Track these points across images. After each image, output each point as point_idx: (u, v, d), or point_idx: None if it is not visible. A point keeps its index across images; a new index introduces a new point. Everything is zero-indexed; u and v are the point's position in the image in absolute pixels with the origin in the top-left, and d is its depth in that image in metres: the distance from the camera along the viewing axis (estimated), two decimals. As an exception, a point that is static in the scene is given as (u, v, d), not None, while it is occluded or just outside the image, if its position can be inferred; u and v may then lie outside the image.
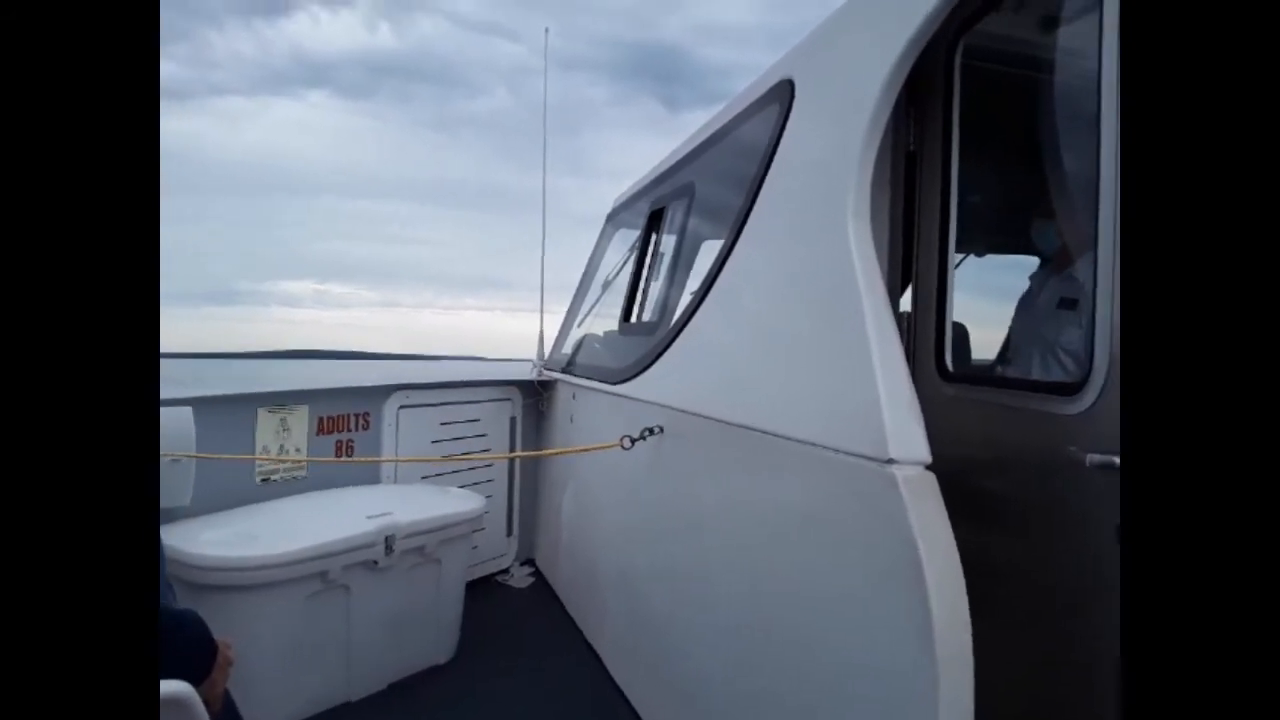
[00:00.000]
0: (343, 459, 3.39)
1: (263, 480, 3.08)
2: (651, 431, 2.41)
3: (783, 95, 2.05)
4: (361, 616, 2.68)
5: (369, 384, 3.59)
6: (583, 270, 4.61)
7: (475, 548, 3.48)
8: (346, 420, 3.43)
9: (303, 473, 3.21)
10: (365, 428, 3.50)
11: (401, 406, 3.61)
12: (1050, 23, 1.69)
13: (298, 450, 3.22)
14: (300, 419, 3.23)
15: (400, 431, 3.60)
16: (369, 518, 2.70)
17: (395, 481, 3.54)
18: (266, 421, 3.11)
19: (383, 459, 3.51)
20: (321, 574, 2.50)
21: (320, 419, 3.32)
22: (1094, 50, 1.29)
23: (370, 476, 3.47)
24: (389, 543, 2.68)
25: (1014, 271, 2.47)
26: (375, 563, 2.66)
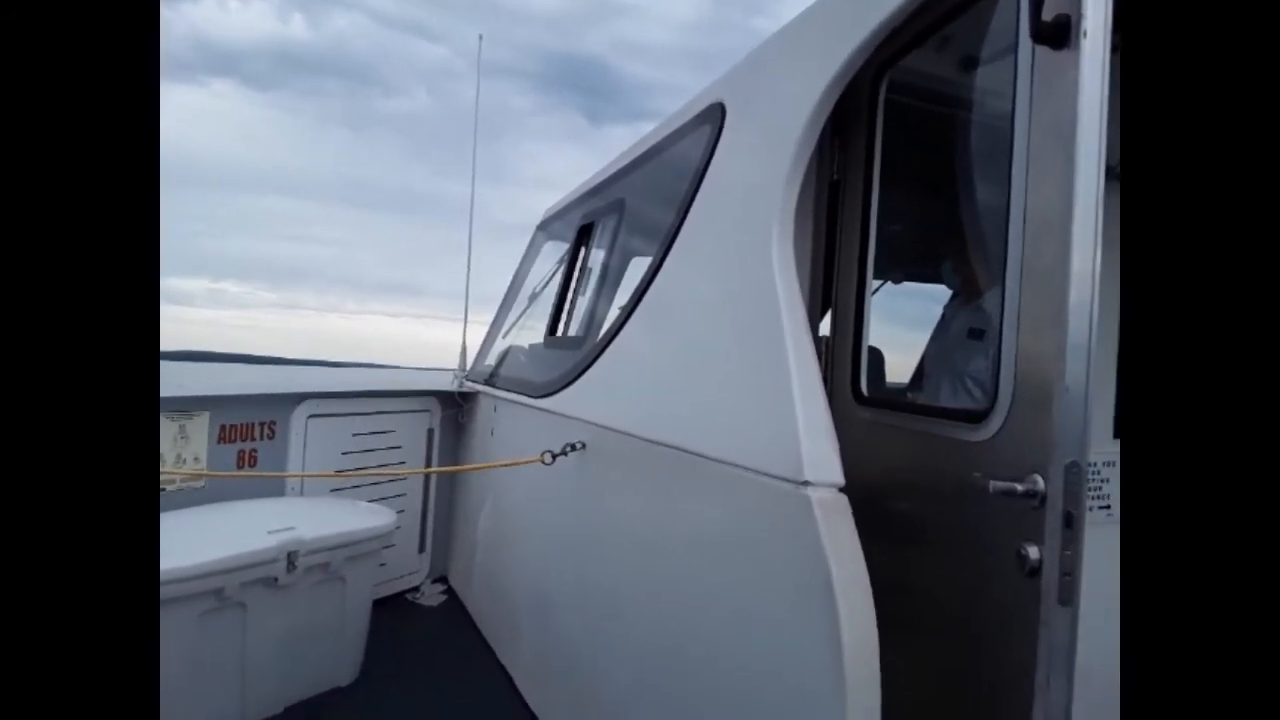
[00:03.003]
0: (245, 472, 3.21)
1: (154, 491, 2.89)
2: (574, 447, 2.38)
3: (714, 118, 2.08)
4: (259, 636, 2.53)
5: (277, 391, 3.42)
6: (505, 279, 4.55)
7: (383, 565, 3.35)
8: (251, 429, 3.25)
9: (201, 483, 3.03)
10: (270, 437, 3.33)
11: (311, 416, 3.45)
12: (970, 63, 1.77)
13: (196, 460, 3.04)
14: (200, 426, 3.05)
15: (309, 442, 3.44)
16: (270, 532, 2.56)
17: (301, 493, 3.38)
18: (164, 429, 2.93)
19: (288, 474, 3.35)
20: (217, 591, 2.36)
21: (222, 427, 3.14)
22: (1009, 91, 1.36)
23: (274, 488, 3.30)
24: (291, 559, 2.55)
25: (930, 298, 2.57)
26: (275, 580, 2.52)
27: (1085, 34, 1.14)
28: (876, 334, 1.84)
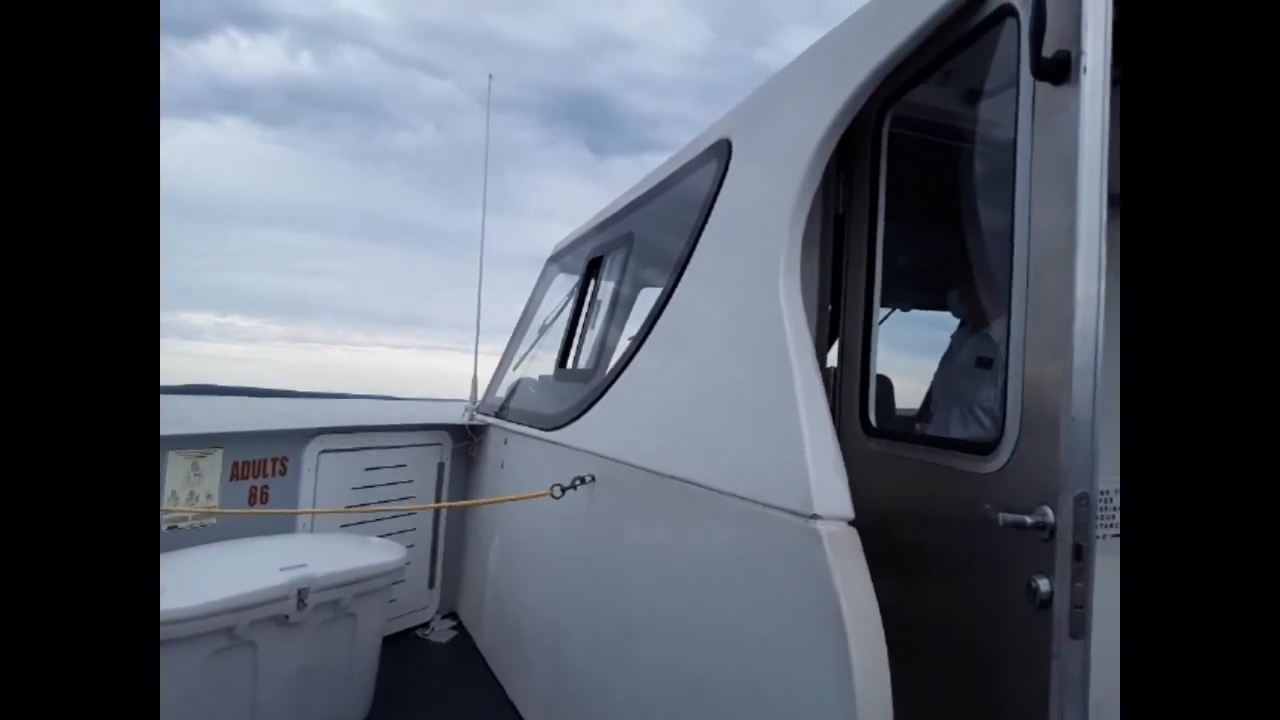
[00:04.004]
0: (256, 509, 3.21)
1: (169, 528, 2.90)
2: (583, 480, 2.37)
3: (720, 154, 2.11)
4: (269, 675, 2.51)
5: (289, 427, 3.44)
6: (510, 309, 4.60)
7: (393, 601, 3.33)
8: (263, 465, 3.27)
9: (213, 520, 3.03)
10: (283, 473, 3.34)
11: (323, 451, 3.47)
12: (972, 96, 1.79)
13: (209, 497, 3.05)
14: (214, 464, 3.07)
15: (320, 477, 3.45)
16: (281, 569, 2.56)
17: (312, 529, 3.38)
18: (178, 465, 2.94)
19: (298, 511, 3.35)
20: (227, 630, 2.35)
21: (235, 464, 3.16)
22: (1011, 124, 1.37)
23: (286, 524, 3.30)
24: (301, 596, 2.54)
25: (937, 325, 2.57)
26: (286, 617, 2.51)
27: (1085, 70, 1.16)
28: (883, 360, 1.84)
